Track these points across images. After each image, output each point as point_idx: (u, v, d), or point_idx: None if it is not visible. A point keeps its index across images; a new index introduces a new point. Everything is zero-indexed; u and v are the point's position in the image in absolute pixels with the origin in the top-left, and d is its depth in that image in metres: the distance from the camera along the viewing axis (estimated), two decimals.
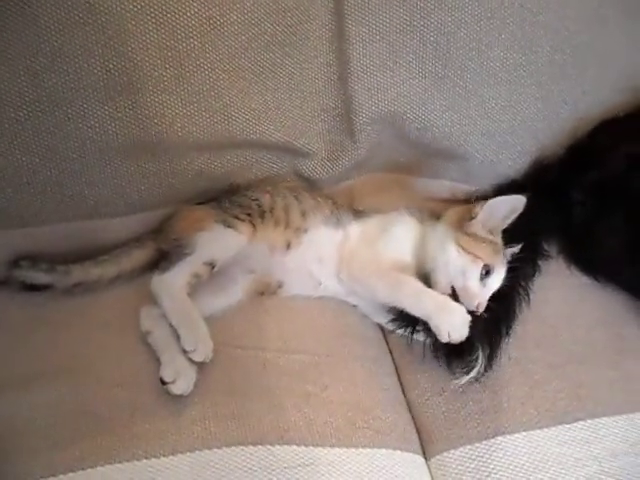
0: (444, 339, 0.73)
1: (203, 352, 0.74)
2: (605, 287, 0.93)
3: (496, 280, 0.81)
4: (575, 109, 0.99)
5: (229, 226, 0.84)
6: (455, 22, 0.88)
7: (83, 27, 0.75)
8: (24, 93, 0.77)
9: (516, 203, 0.80)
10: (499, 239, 0.83)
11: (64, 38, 0.75)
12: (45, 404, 0.73)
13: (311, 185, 0.98)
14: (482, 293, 0.79)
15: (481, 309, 0.77)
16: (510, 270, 0.83)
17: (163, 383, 0.72)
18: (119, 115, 0.81)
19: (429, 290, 0.78)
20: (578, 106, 0.99)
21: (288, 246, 0.86)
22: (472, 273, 0.79)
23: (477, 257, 0.79)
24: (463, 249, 0.80)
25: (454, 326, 0.74)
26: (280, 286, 0.86)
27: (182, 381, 0.72)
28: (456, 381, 0.77)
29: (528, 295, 0.88)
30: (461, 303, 0.77)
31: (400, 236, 0.86)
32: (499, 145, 0.99)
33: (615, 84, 0.98)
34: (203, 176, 0.90)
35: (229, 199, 0.89)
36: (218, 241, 0.84)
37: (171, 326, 0.77)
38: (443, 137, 0.97)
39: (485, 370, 0.77)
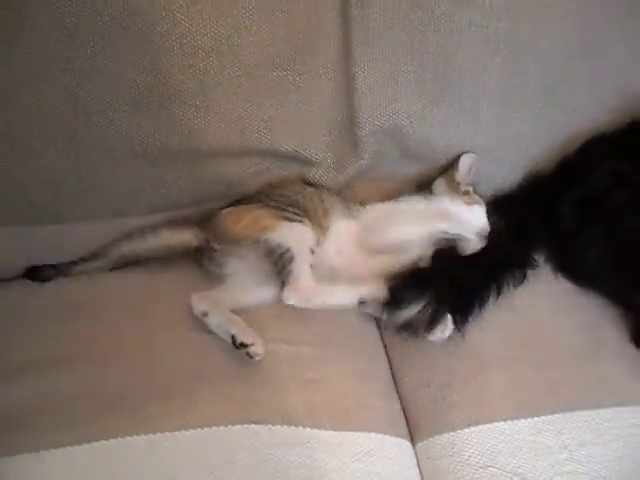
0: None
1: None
2: (588, 293, 0.97)
3: None
4: (566, 127, 1.03)
5: (295, 221, 0.91)
6: (452, 46, 0.93)
7: (115, 46, 0.82)
8: (60, 104, 0.84)
9: (472, 159, 1.01)
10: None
11: (97, 57, 0.82)
12: (68, 385, 0.80)
13: None
14: None
15: None
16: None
17: (244, 346, 0.80)
18: (144, 125, 0.88)
19: None
20: (568, 124, 1.03)
21: (318, 243, 0.93)
22: (483, 214, 0.99)
23: (476, 203, 0.99)
24: (468, 204, 0.98)
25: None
26: None
27: (260, 343, 0.81)
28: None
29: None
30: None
31: (411, 219, 0.97)
32: (493, 159, 1.04)
33: (603, 104, 1.02)
34: (218, 181, 0.96)
35: (273, 199, 0.95)
36: (299, 233, 0.90)
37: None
38: (441, 150, 1.02)
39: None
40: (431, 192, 1.02)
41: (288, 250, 0.88)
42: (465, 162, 1.02)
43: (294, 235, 0.90)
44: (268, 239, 0.89)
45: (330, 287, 0.89)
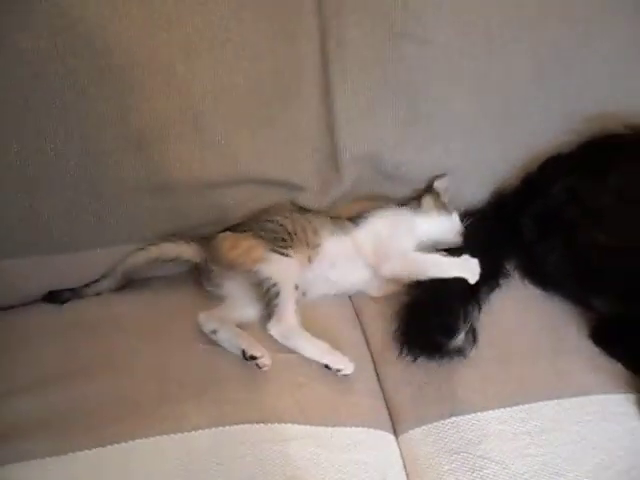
0: (472, 281, 0.98)
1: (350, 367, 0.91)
2: (553, 297, 1.06)
3: None
4: (526, 148, 1.13)
5: (283, 254, 0.99)
6: (422, 81, 1.04)
7: (121, 97, 0.92)
8: (74, 147, 0.94)
9: (446, 181, 1.13)
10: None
11: (106, 105, 0.92)
12: (88, 394, 0.88)
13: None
14: None
15: None
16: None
17: (254, 358, 0.88)
18: (147, 161, 0.97)
19: (443, 257, 1.02)
20: (528, 145, 1.13)
21: (309, 260, 1.03)
22: (457, 218, 1.11)
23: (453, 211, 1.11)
24: (449, 213, 1.11)
25: (474, 271, 0.98)
26: (304, 294, 1.00)
27: (267, 355, 0.89)
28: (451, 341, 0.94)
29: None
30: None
31: (406, 229, 1.08)
32: (463, 179, 1.14)
33: (559, 127, 1.12)
34: (214, 208, 1.05)
35: (261, 227, 1.02)
36: (286, 268, 0.98)
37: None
38: (415, 173, 1.13)
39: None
40: (419, 206, 1.12)
41: (275, 285, 0.95)
42: (441, 183, 1.14)
43: (282, 270, 0.97)
44: (258, 270, 0.96)
45: (307, 337, 0.93)
